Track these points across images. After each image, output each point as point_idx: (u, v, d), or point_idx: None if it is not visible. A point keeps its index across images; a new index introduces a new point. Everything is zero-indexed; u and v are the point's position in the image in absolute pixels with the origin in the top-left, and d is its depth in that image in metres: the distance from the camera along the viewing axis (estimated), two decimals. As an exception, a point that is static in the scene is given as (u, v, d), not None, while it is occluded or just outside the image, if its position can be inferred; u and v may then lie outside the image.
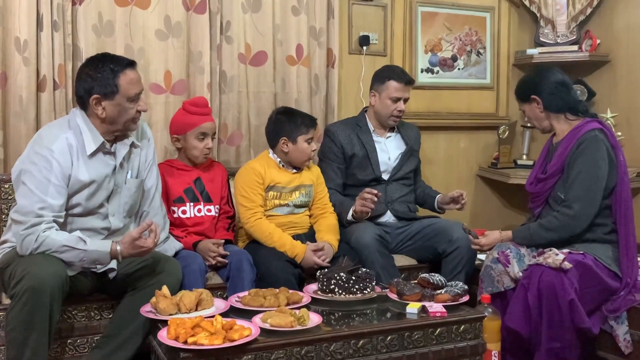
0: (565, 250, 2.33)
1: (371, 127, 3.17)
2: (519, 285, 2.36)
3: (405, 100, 3.10)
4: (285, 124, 2.86)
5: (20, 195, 2.17)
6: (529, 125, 3.86)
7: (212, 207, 2.82)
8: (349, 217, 2.96)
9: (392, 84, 3.07)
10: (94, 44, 2.94)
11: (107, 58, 2.28)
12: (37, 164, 2.16)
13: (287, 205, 2.89)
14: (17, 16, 2.76)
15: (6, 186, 2.68)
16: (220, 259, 2.61)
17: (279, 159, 2.90)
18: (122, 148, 2.36)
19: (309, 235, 2.89)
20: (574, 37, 3.92)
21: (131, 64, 2.28)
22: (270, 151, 2.93)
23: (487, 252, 2.64)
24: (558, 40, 3.94)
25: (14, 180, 2.24)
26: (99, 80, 2.22)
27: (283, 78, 3.37)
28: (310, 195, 2.95)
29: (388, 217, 3.10)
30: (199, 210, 2.79)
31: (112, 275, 2.33)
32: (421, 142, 3.34)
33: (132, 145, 2.40)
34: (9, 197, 2.68)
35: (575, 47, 3.88)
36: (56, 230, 2.16)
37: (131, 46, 3.01)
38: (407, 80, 3.09)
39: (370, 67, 3.59)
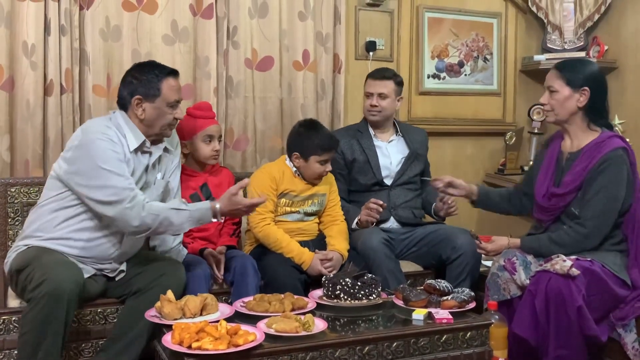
0: (573, 257, 2.31)
1: (372, 132, 3.16)
2: (527, 291, 2.33)
3: (381, 96, 3.08)
4: (302, 139, 2.83)
5: (108, 179, 2.19)
6: (536, 131, 3.85)
7: (217, 213, 2.81)
8: (354, 225, 2.96)
9: (366, 82, 3.14)
10: (101, 48, 2.95)
11: (154, 65, 2.41)
12: (106, 149, 2.22)
13: (297, 212, 2.87)
14: (24, 21, 2.78)
15: (12, 190, 2.69)
16: (217, 274, 2.61)
17: (294, 168, 2.88)
18: (156, 150, 2.44)
19: (316, 242, 2.88)
20: (582, 44, 3.91)
21: (174, 72, 2.40)
22: (287, 158, 2.91)
23: (493, 258, 2.62)
24: (565, 47, 3.93)
25: (87, 169, 2.20)
26: (144, 82, 2.33)
27: (289, 83, 3.37)
28: (322, 204, 2.93)
29: (392, 223, 3.08)
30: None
31: (119, 277, 2.35)
32: (428, 148, 3.31)
33: (165, 149, 2.48)
34: (15, 201, 2.69)
35: (582, 54, 3.86)
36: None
37: (138, 51, 3.02)
38: (376, 75, 3.12)
39: (377, 72, 3.59)
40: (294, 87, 3.38)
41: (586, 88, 2.44)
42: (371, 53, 3.62)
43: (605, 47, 3.82)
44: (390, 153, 3.15)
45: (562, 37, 3.92)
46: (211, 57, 3.14)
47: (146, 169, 2.39)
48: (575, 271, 2.21)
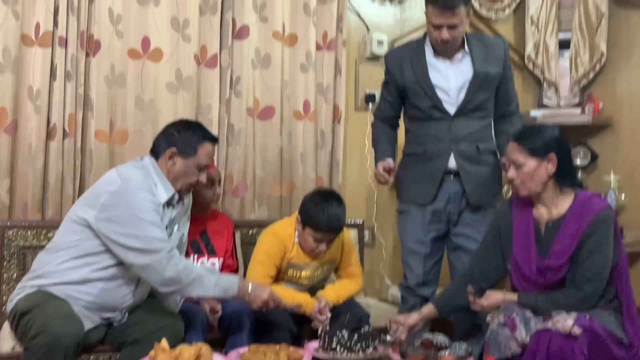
0: (573, 315, 2.29)
1: (429, 50, 2.72)
2: (528, 351, 2.30)
3: (452, 27, 2.59)
4: (308, 205, 2.64)
5: (146, 229, 2.20)
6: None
7: (215, 261, 2.79)
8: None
9: (429, 9, 2.62)
10: (105, 94, 2.99)
11: (198, 126, 2.46)
12: (145, 199, 2.24)
13: (303, 285, 2.74)
14: (31, 66, 2.82)
15: (10, 232, 2.68)
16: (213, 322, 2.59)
17: (296, 234, 2.69)
18: (178, 205, 2.45)
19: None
20: (577, 101, 3.98)
21: (214, 140, 2.46)
22: (297, 221, 2.70)
23: (490, 313, 2.59)
24: (561, 103, 3.99)
25: (126, 218, 2.19)
26: (184, 138, 2.36)
27: (290, 132, 3.41)
28: (331, 269, 2.81)
29: (452, 162, 2.72)
30: (202, 263, 2.76)
31: (117, 323, 2.33)
32: (508, 60, 2.82)
33: (183, 204, 2.49)
34: (12, 244, 2.68)
35: (578, 110, 3.93)
36: None
37: (141, 97, 3.06)
38: (443, 5, 2.56)
39: (376, 124, 3.65)
40: (294, 135, 3.42)
41: (552, 154, 2.35)
42: (370, 104, 3.68)
43: (601, 104, 3.89)
44: (450, 75, 2.70)
45: (557, 93, 3.99)
46: (213, 105, 3.19)
47: (169, 221, 2.39)
48: (577, 330, 2.19)
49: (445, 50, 2.68)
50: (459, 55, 2.71)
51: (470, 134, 2.71)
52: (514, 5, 4.03)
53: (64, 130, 2.88)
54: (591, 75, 3.93)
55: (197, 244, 2.77)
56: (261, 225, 2.97)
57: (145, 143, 3.04)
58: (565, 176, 2.40)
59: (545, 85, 4.01)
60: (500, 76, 2.75)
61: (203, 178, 2.43)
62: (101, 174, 2.92)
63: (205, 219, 2.82)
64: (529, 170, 2.35)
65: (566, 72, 3.99)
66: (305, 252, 2.68)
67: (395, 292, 3.62)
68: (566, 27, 3.98)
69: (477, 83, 2.68)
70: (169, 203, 2.36)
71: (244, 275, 2.97)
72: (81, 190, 2.93)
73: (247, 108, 3.29)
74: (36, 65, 2.82)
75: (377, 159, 2.81)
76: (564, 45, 3.98)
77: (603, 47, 3.85)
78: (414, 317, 2.55)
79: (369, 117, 3.66)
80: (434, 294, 2.83)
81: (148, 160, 2.38)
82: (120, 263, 2.26)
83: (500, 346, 2.39)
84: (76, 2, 2.87)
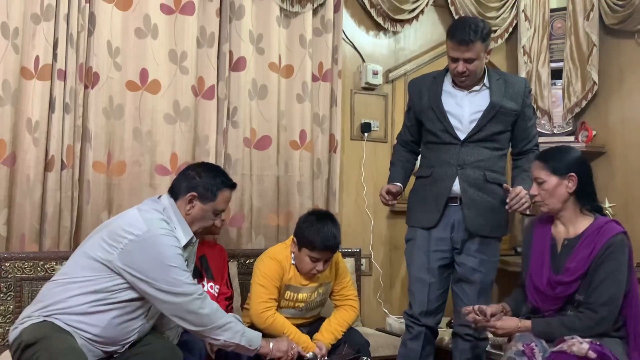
0: (587, 340, 2.29)
1: (448, 80, 2.77)
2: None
3: (468, 61, 2.63)
4: (303, 227, 2.68)
5: (177, 274, 2.21)
6: (527, 213, 3.89)
7: (214, 285, 2.81)
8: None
9: (447, 42, 2.69)
10: (103, 126, 3.01)
11: (221, 172, 2.48)
12: (171, 246, 2.23)
13: (299, 309, 2.76)
14: (30, 98, 2.84)
15: (7, 264, 2.68)
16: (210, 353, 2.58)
17: (292, 254, 2.73)
18: (193, 247, 2.46)
19: (313, 329, 2.79)
20: (570, 129, 4.02)
21: (234, 186, 2.47)
22: (293, 243, 2.74)
23: (499, 338, 2.58)
24: (555, 131, 4.04)
25: (155, 265, 2.19)
26: (207, 184, 2.36)
27: (286, 161, 3.44)
28: (327, 292, 2.83)
29: (456, 186, 2.70)
30: (202, 287, 2.77)
31: (117, 355, 2.31)
32: (528, 101, 2.82)
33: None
34: (9, 276, 2.68)
35: (571, 138, 3.97)
36: None
37: (139, 129, 3.08)
38: (458, 38, 2.61)
39: (372, 152, 3.69)
40: (290, 165, 3.44)
41: (573, 174, 2.42)
42: (366, 134, 3.72)
43: (593, 132, 3.93)
44: (465, 103, 2.73)
45: (551, 122, 4.04)
46: (211, 136, 3.21)
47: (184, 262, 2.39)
48: (592, 354, 2.19)
49: (463, 82, 2.72)
50: (477, 87, 2.74)
51: (478, 161, 2.71)
52: (506, 36, 4.11)
53: (62, 161, 2.90)
54: (583, 104, 3.98)
55: (197, 269, 2.77)
56: (258, 255, 2.96)
57: (143, 174, 3.07)
58: (585, 197, 2.45)
59: (538, 113, 4.06)
60: (517, 113, 2.74)
61: (218, 222, 2.45)
62: (99, 205, 2.96)
63: (203, 245, 2.83)
64: (549, 187, 2.43)
65: (559, 101, 4.04)
66: (302, 274, 2.71)
67: (392, 321, 3.61)
68: (558, 56, 4.05)
69: (491, 114, 2.70)
70: (186, 245, 2.36)
71: (242, 305, 2.99)
72: (79, 222, 2.95)
73: (244, 138, 3.32)
74: (35, 97, 2.85)
75: (388, 182, 2.86)
76: (556, 74, 4.05)
77: (595, 76, 3.92)
78: (495, 306, 2.56)
79: (365, 146, 3.70)
80: (438, 324, 2.81)
81: (167, 201, 2.36)
82: (132, 299, 2.25)
83: (517, 375, 2.38)
84: (75, 35, 2.92)
